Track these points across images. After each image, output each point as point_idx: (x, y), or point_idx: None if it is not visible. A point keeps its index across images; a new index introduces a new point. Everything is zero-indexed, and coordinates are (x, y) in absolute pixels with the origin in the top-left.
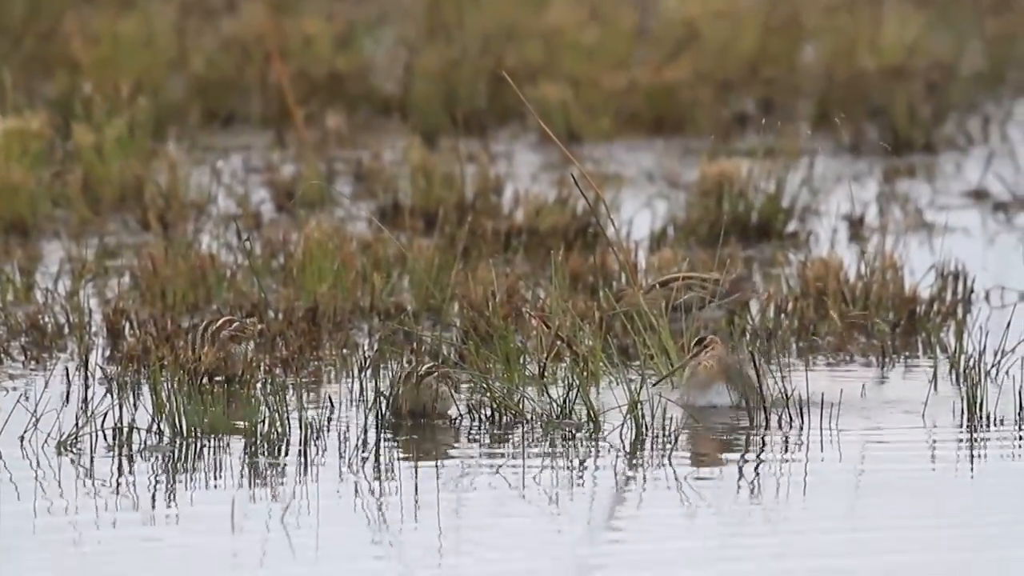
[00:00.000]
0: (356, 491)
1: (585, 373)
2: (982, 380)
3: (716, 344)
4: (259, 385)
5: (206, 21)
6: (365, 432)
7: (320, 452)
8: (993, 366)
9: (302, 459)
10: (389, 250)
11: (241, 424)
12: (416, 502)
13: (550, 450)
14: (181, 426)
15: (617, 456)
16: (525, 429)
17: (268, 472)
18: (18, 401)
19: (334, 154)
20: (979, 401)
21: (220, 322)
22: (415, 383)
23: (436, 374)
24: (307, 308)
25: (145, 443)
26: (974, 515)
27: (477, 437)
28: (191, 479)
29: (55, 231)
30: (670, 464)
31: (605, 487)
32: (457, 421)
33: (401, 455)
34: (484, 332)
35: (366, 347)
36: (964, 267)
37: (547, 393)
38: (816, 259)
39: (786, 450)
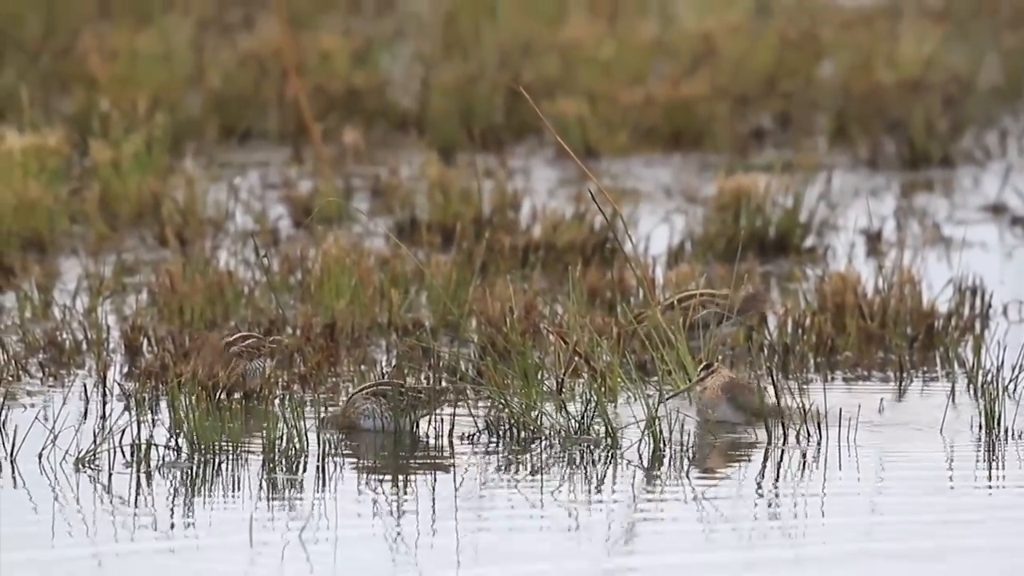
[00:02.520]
0: (374, 507)
1: (603, 389)
2: (1000, 395)
3: (721, 372)
4: (277, 401)
5: (223, 37)
6: (383, 448)
7: (338, 468)
8: (1011, 381)
9: (320, 475)
10: (407, 266)
11: (259, 440)
12: (434, 518)
13: (568, 466)
14: (199, 442)
15: (635, 472)
16: (543, 445)
17: (286, 488)
18: (36, 418)
19: (351, 170)
20: (997, 416)
21: (233, 338)
22: (344, 402)
23: (365, 392)
24: (325, 324)
25: (163, 459)
26: (993, 532)
27: (495, 453)
28: (209, 495)
29: (73, 248)
30: (688, 480)
31: (623, 503)
32: (475, 437)
33: (419, 471)
34: (502, 348)
35: (384, 363)
36: (982, 282)
37: (565, 409)
38: (834, 274)
39: (804, 466)
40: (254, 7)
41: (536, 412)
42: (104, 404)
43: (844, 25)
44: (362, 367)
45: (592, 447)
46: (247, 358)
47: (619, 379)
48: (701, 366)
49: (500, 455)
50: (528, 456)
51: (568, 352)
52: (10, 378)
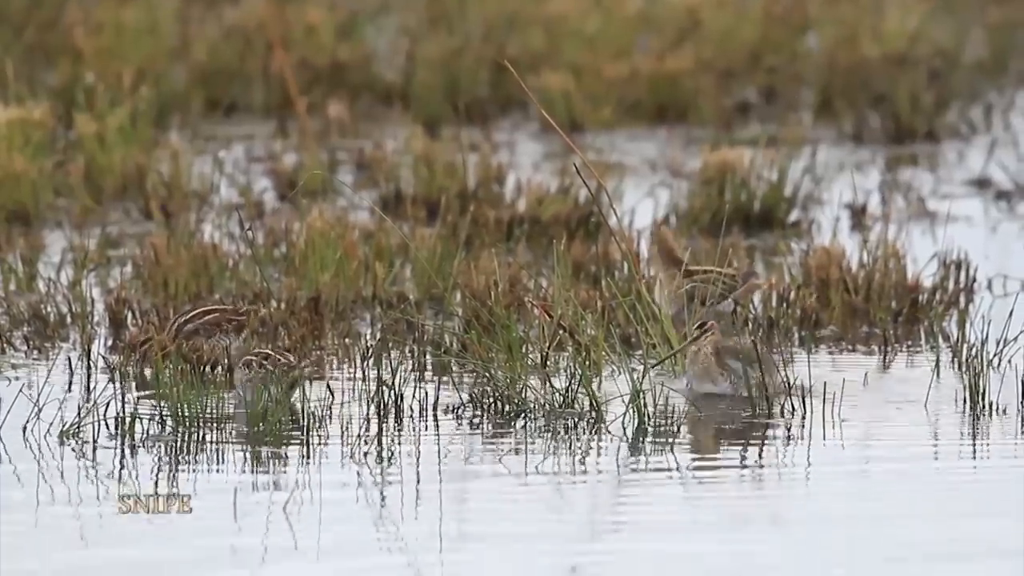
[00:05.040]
0: (358, 480)
1: (587, 362)
2: (984, 369)
3: (715, 330)
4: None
5: (208, 10)
6: (367, 421)
7: (322, 441)
8: (995, 355)
9: (304, 448)
10: (391, 239)
11: (243, 413)
12: (418, 491)
13: (552, 440)
14: (183, 415)
15: (619, 445)
16: (527, 419)
17: (270, 461)
18: (21, 390)
19: (336, 143)
20: (981, 390)
21: (191, 314)
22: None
23: (244, 360)
24: (309, 297)
25: (147, 432)
26: (977, 505)
27: (480, 427)
28: (193, 468)
29: (57, 220)
30: (672, 453)
31: (607, 476)
32: (460, 410)
33: (403, 444)
34: (486, 321)
35: (368, 336)
36: (966, 256)
37: (549, 383)
38: (818, 248)
39: (788, 439)
40: None
41: (521, 386)
42: (89, 377)
43: None
44: (347, 340)
45: (576, 420)
46: (206, 335)
47: (604, 352)
48: (696, 325)
49: (484, 428)
50: (512, 430)
51: (553, 326)
52: None
